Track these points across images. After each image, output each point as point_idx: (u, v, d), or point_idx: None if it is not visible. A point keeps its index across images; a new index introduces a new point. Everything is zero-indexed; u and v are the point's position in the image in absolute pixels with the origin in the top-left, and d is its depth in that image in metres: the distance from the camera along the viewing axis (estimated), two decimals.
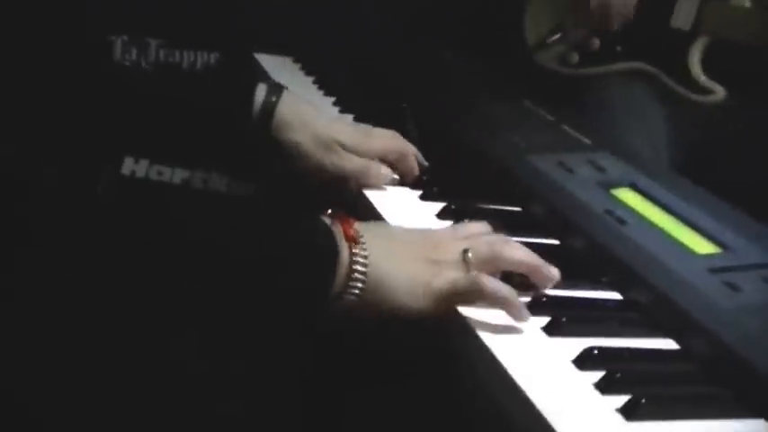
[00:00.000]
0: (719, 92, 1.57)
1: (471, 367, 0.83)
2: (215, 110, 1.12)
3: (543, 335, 0.85)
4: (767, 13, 1.55)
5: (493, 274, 0.88)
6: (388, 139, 1.18)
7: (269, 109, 1.15)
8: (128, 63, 1.89)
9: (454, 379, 0.86)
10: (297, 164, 1.16)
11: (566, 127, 1.31)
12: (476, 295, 0.86)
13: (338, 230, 0.87)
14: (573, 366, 0.80)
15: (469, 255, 0.88)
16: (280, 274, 0.84)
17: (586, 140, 1.27)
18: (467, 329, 0.84)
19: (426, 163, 1.19)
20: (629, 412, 0.74)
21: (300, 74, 1.57)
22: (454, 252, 0.89)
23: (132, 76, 1.31)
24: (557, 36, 1.73)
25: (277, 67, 1.58)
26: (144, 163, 1.04)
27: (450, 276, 0.87)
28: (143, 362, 0.85)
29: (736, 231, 1.02)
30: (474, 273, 0.87)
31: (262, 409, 0.91)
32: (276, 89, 1.17)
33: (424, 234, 0.94)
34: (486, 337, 0.82)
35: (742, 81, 1.57)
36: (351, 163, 1.13)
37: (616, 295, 0.94)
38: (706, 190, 1.14)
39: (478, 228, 0.96)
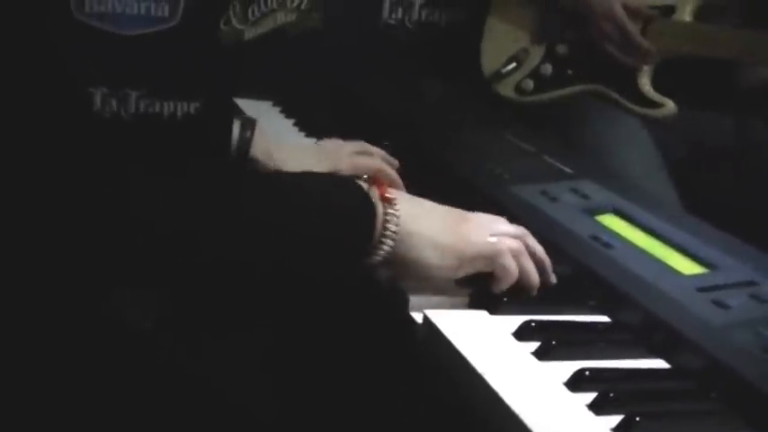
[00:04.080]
0: (669, 105, 1.61)
1: (464, 394, 0.83)
2: (195, 153, 1.15)
3: (534, 359, 0.85)
4: (708, 28, 1.59)
5: None
6: (353, 160, 1.24)
7: (245, 143, 1.19)
8: (108, 114, 1.89)
9: (447, 406, 0.85)
10: None
11: (547, 157, 1.32)
12: (496, 261, 0.94)
13: (374, 192, 0.93)
14: (565, 389, 0.80)
15: (493, 239, 0.95)
16: (322, 229, 0.89)
17: (568, 169, 1.28)
18: (458, 356, 0.84)
19: (395, 161, 1.25)
20: (624, 431, 0.74)
21: (281, 117, 1.58)
22: (480, 233, 0.96)
23: (111, 127, 1.32)
24: (512, 66, 1.76)
25: (257, 110, 1.58)
26: None
27: (474, 240, 0.94)
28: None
29: (721, 251, 1.03)
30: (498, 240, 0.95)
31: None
32: (249, 123, 1.21)
33: (453, 209, 1.00)
34: (478, 364, 0.82)
35: (691, 93, 1.60)
36: None
37: (605, 318, 0.95)
38: (688, 212, 1.14)
39: (500, 219, 1.01)
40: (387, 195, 0.93)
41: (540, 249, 0.99)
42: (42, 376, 0.87)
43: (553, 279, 0.99)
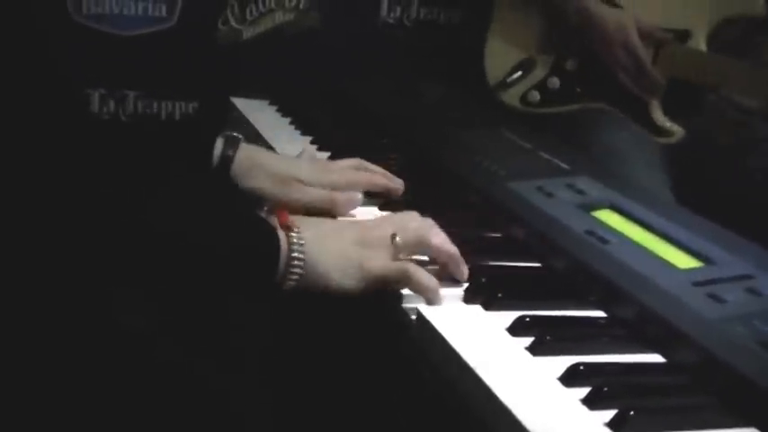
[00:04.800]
0: (678, 132, 1.60)
1: (458, 390, 0.82)
2: (175, 167, 1.14)
3: (528, 354, 0.84)
4: (721, 57, 1.58)
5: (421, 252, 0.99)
6: (346, 175, 1.19)
7: (226, 162, 1.16)
8: (106, 116, 1.89)
9: (441, 402, 0.85)
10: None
11: (543, 153, 1.32)
12: (404, 282, 0.93)
13: (274, 220, 0.93)
14: (559, 384, 0.80)
15: (397, 239, 0.96)
16: (226, 268, 0.89)
17: (565, 165, 1.28)
18: (450, 352, 0.83)
19: (400, 182, 1.20)
20: (617, 426, 0.74)
21: (277, 115, 1.57)
22: (383, 236, 0.96)
23: (107, 130, 1.32)
24: (517, 75, 1.75)
25: (254, 109, 1.58)
26: None
27: (382, 260, 0.95)
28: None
29: (717, 245, 1.02)
30: (405, 261, 0.95)
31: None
32: (233, 141, 1.17)
33: (354, 221, 1.02)
34: (471, 360, 0.82)
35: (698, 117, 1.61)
36: (311, 196, 1.13)
37: (600, 313, 0.94)
38: (685, 207, 1.14)
39: (407, 215, 1.02)
40: (288, 223, 0.93)
41: (438, 246, 0.97)
42: (40, 377, 0.86)
43: (461, 273, 0.97)
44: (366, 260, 0.94)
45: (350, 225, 1.00)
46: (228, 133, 1.19)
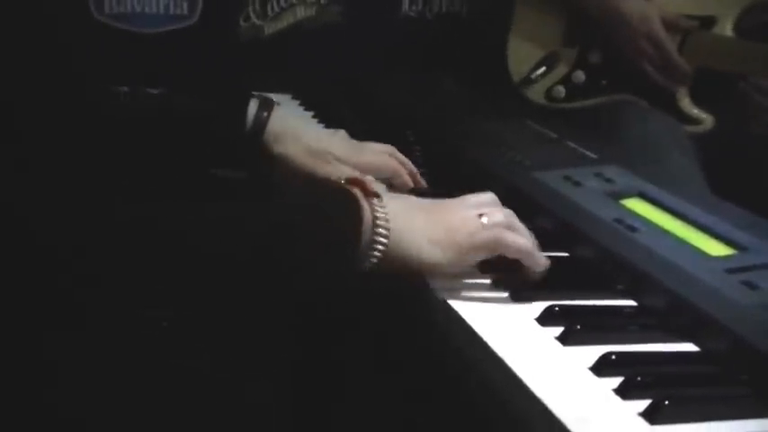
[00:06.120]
0: (708, 120, 1.58)
1: (487, 381, 0.81)
2: (209, 127, 1.12)
3: (558, 344, 0.83)
4: (749, 43, 1.56)
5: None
6: (380, 156, 1.17)
7: (260, 123, 1.12)
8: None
9: (470, 392, 0.84)
10: (290, 176, 1.13)
11: (570, 143, 1.30)
12: (495, 245, 0.90)
13: (358, 191, 0.89)
14: (591, 374, 0.78)
15: (484, 219, 0.91)
16: (310, 237, 0.85)
17: (592, 155, 1.26)
18: (480, 342, 0.82)
19: (424, 184, 1.18)
20: (652, 416, 0.72)
21: (300, 110, 1.57)
22: (467, 216, 0.91)
23: (132, 108, 1.31)
24: (541, 70, 1.73)
25: None
26: None
27: (470, 229, 0.90)
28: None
29: (750, 232, 1.00)
30: (491, 228, 0.90)
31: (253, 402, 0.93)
32: (267, 104, 1.14)
33: (435, 200, 0.96)
34: (500, 350, 0.81)
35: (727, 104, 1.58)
36: (344, 175, 1.10)
37: (631, 302, 0.92)
38: (716, 194, 1.12)
39: (486, 197, 0.97)
40: (372, 191, 0.89)
41: (520, 242, 0.93)
42: (57, 374, 0.86)
43: (540, 264, 0.93)
44: (452, 231, 0.89)
45: (430, 201, 0.96)
46: (262, 95, 1.15)
